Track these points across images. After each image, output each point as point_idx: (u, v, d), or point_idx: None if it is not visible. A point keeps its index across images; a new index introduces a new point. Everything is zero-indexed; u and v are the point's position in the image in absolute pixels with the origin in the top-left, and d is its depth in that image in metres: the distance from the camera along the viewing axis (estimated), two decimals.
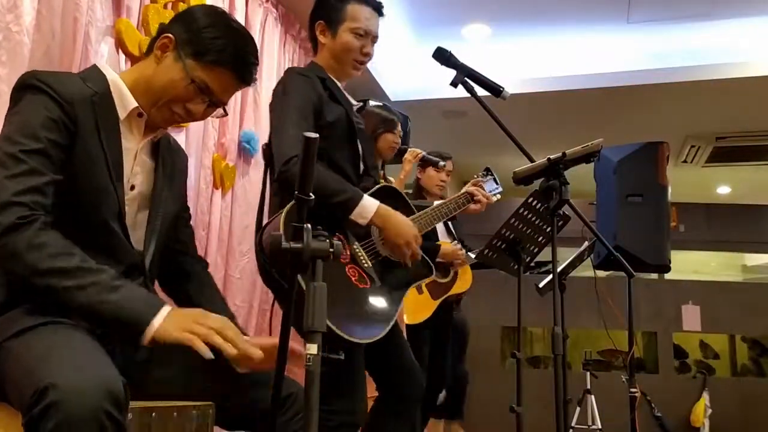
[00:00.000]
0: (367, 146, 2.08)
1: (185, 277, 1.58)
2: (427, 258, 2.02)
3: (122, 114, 1.40)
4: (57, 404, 0.99)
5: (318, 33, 2.06)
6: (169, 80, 1.41)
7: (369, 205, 1.83)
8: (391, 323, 1.84)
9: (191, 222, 1.69)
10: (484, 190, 2.39)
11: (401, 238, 1.86)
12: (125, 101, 1.41)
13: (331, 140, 1.91)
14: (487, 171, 2.59)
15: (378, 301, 1.86)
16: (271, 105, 1.99)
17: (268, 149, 1.94)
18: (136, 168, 1.44)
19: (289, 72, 2.03)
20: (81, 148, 1.31)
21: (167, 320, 1.20)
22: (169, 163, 1.53)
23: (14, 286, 1.26)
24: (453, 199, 2.26)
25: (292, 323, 1.63)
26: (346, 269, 1.82)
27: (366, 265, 1.88)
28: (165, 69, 1.41)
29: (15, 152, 1.23)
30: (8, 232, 1.19)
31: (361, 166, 2.02)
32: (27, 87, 1.30)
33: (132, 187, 1.43)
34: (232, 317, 1.49)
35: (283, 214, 1.73)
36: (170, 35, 1.42)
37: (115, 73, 1.44)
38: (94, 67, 1.45)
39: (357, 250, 1.89)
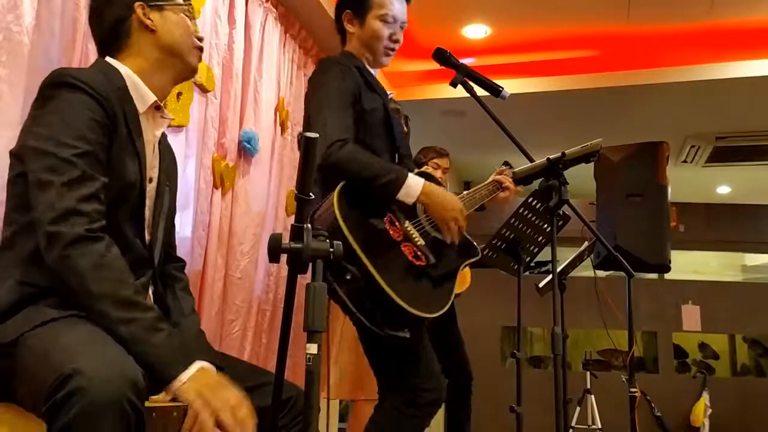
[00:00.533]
0: (401, 135, 2.08)
1: (166, 284, 1.55)
2: (471, 240, 2.04)
3: (141, 108, 1.41)
4: (82, 390, 0.98)
5: (346, 23, 2.07)
6: (180, 28, 1.47)
7: (415, 183, 1.84)
8: (452, 299, 1.87)
9: (192, 221, 1.70)
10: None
11: (448, 212, 1.87)
12: (143, 94, 1.42)
13: (369, 128, 1.92)
14: (507, 164, 2.58)
15: (436, 277, 1.88)
16: (308, 94, 1.99)
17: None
18: (154, 161, 1.46)
19: (326, 61, 2.03)
20: (117, 146, 1.32)
21: (192, 379, 1.18)
22: (166, 156, 1.55)
23: (29, 287, 1.25)
24: (483, 186, 2.27)
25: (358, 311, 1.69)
26: (401, 247, 1.83)
27: (420, 242, 1.88)
28: (167, 24, 1.46)
29: (68, 156, 1.22)
30: (74, 244, 1.19)
31: (396, 155, 2.03)
32: (61, 84, 1.28)
33: (150, 180, 1.43)
34: (201, 333, 1.49)
35: (335, 195, 1.74)
36: (138, 3, 1.44)
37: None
38: (105, 62, 1.44)
39: (409, 229, 1.89)
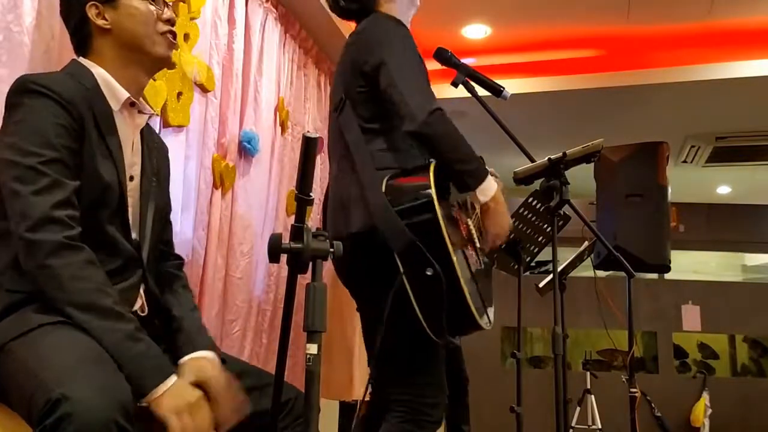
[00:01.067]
0: None
1: (164, 283, 1.53)
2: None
3: (115, 106, 1.40)
4: (70, 416, 1.00)
5: None
6: (134, 20, 1.42)
7: (493, 183, 1.68)
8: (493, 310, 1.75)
9: (192, 221, 1.68)
10: None
11: (506, 227, 1.72)
12: (116, 92, 1.40)
13: None
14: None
15: (485, 284, 1.75)
16: (368, 48, 1.75)
17: (349, 101, 1.77)
18: (133, 158, 1.44)
19: (386, 17, 1.82)
20: (87, 149, 1.31)
21: (168, 393, 1.19)
22: (154, 151, 1.53)
23: (17, 294, 1.25)
24: None
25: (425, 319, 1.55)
26: (468, 247, 1.70)
27: (478, 244, 1.76)
28: (121, 21, 1.42)
29: (33, 164, 1.21)
30: (54, 252, 1.19)
31: None
32: (24, 92, 1.27)
33: (131, 178, 1.42)
34: (203, 329, 1.48)
35: (432, 178, 1.57)
36: (90, 4, 1.41)
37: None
38: (77, 63, 1.43)
39: (471, 227, 1.75)
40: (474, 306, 1.54)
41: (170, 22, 1.47)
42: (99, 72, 1.40)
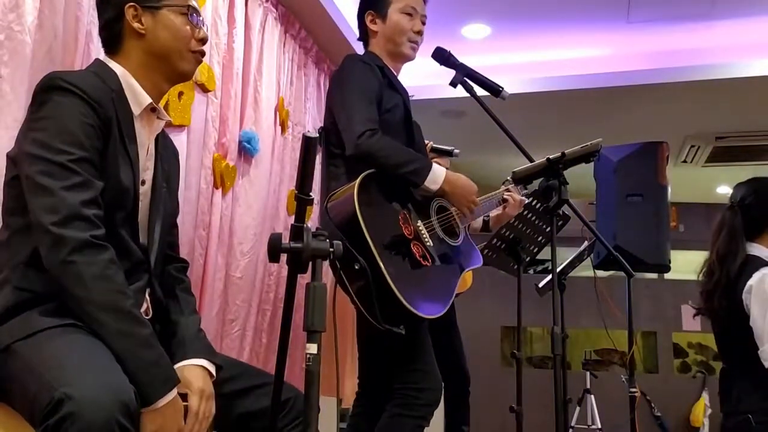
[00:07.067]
0: (419, 135, 2.13)
1: (166, 285, 1.53)
2: (475, 246, 2.11)
3: (137, 110, 1.41)
4: (73, 415, 1.01)
5: (369, 23, 2.13)
6: (170, 32, 1.42)
7: (439, 170, 1.95)
8: (450, 302, 1.93)
9: (192, 222, 1.68)
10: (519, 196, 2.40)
11: (469, 194, 2.01)
12: (138, 97, 1.41)
13: (388, 127, 1.98)
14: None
15: (438, 280, 1.93)
16: (331, 89, 2.08)
17: (324, 132, 2.05)
18: (147, 163, 1.45)
19: (350, 58, 2.09)
20: (110, 151, 1.32)
21: (161, 411, 1.19)
22: (166, 157, 1.54)
23: (25, 292, 1.25)
24: (489, 196, 2.32)
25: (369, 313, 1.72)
26: (411, 246, 1.87)
27: (428, 243, 1.94)
28: (157, 30, 1.42)
29: (64, 161, 1.22)
30: (80, 250, 1.19)
31: None
32: (53, 88, 1.27)
33: (143, 182, 1.43)
34: (200, 333, 1.48)
35: (356, 185, 1.80)
36: (129, 5, 1.41)
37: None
38: (101, 63, 1.44)
39: (420, 228, 1.94)
40: (403, 294, 1.71)
41: (203, 41, 1.49)
42: (123, 74, 1.41)
